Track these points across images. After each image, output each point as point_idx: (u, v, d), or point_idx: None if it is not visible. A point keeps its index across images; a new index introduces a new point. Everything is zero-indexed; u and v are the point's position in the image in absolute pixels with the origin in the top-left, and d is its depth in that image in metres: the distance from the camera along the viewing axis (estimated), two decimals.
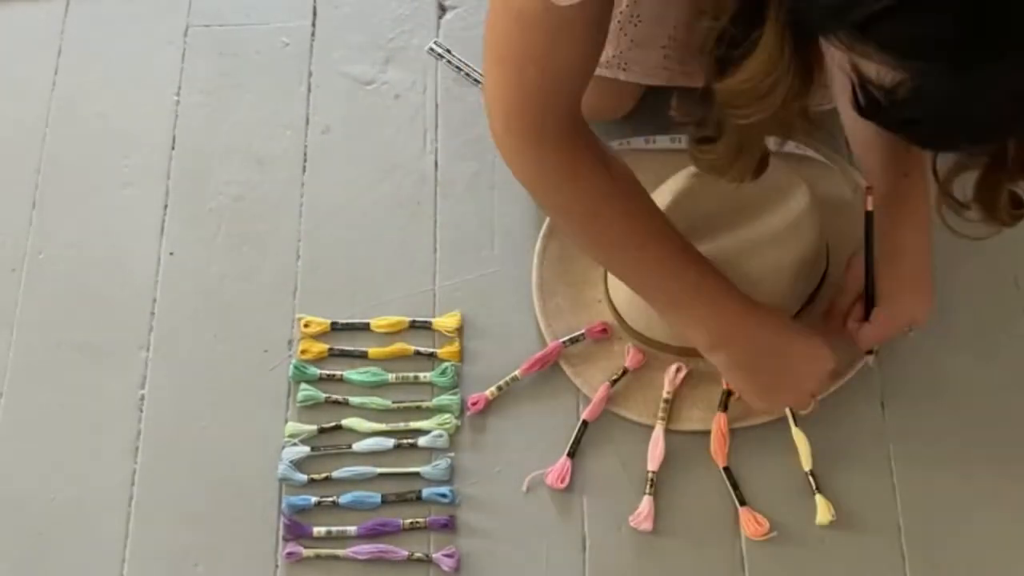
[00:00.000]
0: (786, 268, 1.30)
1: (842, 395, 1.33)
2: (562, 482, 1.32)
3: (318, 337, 1.41)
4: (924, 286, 1.27)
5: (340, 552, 1.31)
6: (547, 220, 1.44)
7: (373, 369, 1.39)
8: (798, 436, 1.30)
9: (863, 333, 1.27)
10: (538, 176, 1.17)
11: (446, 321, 1.40)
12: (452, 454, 1.34)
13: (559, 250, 1.43)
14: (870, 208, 1.23)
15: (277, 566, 1.31)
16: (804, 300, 1.36)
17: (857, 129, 1.28)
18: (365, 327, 1.41)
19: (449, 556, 1.29)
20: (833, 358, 1.25)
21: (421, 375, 1.39)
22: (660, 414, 1.33)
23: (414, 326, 1.41)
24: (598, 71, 1.28)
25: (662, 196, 1.33)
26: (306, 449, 1.35)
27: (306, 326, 1.41)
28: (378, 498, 1.33)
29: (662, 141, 1.45)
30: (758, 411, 1.31)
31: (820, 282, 1.37)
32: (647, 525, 1.29)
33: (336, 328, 1.41)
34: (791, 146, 1.37)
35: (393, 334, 1.41)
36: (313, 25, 1.62)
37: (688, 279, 1.20)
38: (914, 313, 1.28)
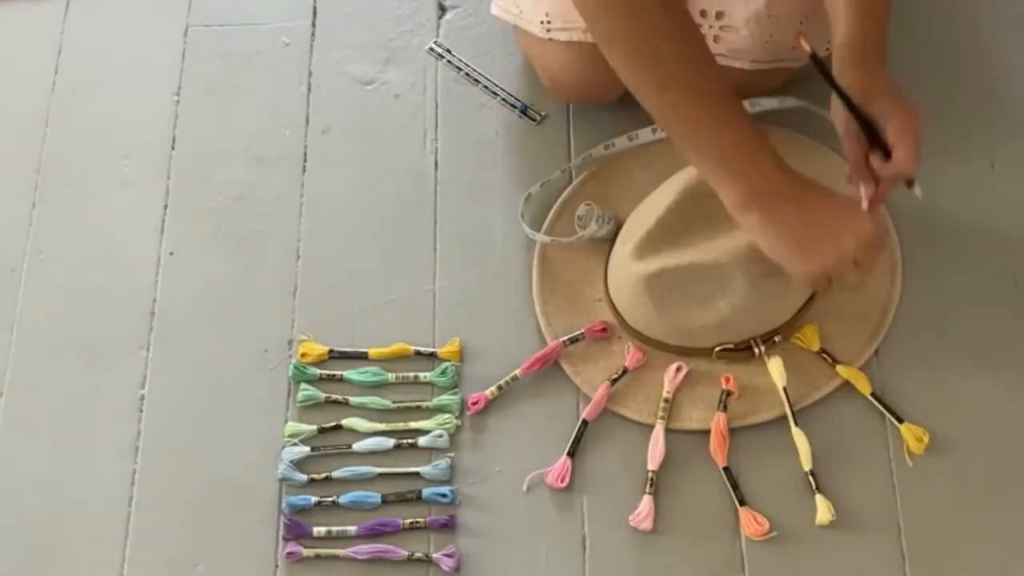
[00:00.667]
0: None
1: (842, 395, 1.33)
2: (562, 482, 1.32)
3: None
4: (905, 96, 1.26)
5: (340, 552, 1.31)
6: (547, 220, 1.44)
7: (373, 369, 1.39)
8: (798, 436, 1.30)
9: (896, 159, 1.23)
10: (604, 3, 1.17)
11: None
12: (452, 454, 1.34)
13: (559, 251, 1.43)
14: (807, 49, 1.22)
15: (277, 566, 1.31)
16: (806, 298, 1.36)
17: None
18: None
19: (449, 556, 1.29)
20: (871, 220, 1.21)
21: (421, 375, 1.39)
22: (660, 413, 1.33)
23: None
24: (583, 37, 1.33)
25: (663, 195, 1.33)
26: (306, 449, 1.35)
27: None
28: (378, 498, 1.33)
29: (644, 135, 1.44)
30: (800, 281, 1.25)
31: None
32: (647, 525, 1.29)
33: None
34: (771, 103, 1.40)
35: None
36: (313, 25, 1.62)
37: (733, 131, 1.19)
38: (911, 110, 1.25)
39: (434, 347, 1.40)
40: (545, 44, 1.40)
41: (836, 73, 1.25)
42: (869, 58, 1.26)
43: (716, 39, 1.37)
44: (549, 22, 1.41)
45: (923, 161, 1.44)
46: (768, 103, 1.41)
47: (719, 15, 1.37)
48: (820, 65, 1.24)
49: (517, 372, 1.37)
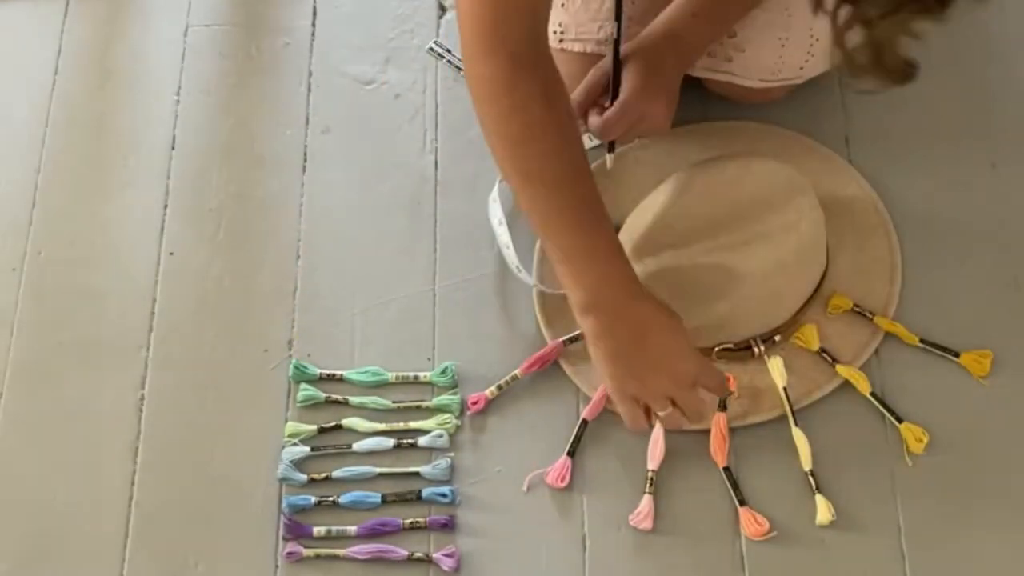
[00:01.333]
0: (787, 267, 1.30)
1: (842, 395, 1.33)
2: (562, 481, 1.32)
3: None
4: (667, 97, 1.33)
5: (340, 552, 1.31)
6: None
7: (373, 368, 1.39)
8: (798, 436, 1.30)
9: (602, 121, 1.31)
10: (484, 82, 1.20)
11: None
12: (452, 454, 1.34)
13: None
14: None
15: (277, 566, 1.31)
16: (805, 298, 1.36)
17: None
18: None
19: (449, 556, 1.29)
20: (696, 362, 1.23)
21: (421, 375, 1.39)
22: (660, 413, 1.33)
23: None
24: (596, 48, 1.36)
25: (662, 195, 1.33)
26: (306, 449, 1.35)
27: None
28: (378, 498, 1.33)
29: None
30: (616, 400, 1.26)
31: (820, 281, 1.37)
32: (647, 524, 1.29)
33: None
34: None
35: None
36: (313, 25, 1.62)
37: (588, 237, 1.21)
38: (649, 111, 1.32)
39: (433, 356, 1.39)
40: (556, 55, 1.40)
41: (655, 25, 1.34)
42: (680, 44, 1.33)
43: (729, 58, 1.38)
44: (562, 32, 1.41)
45: (923, 160, 1.45)
46: None
47: (732, 34, 1.37)
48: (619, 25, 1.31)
49: (517, 372, 1.37)
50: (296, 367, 1.39)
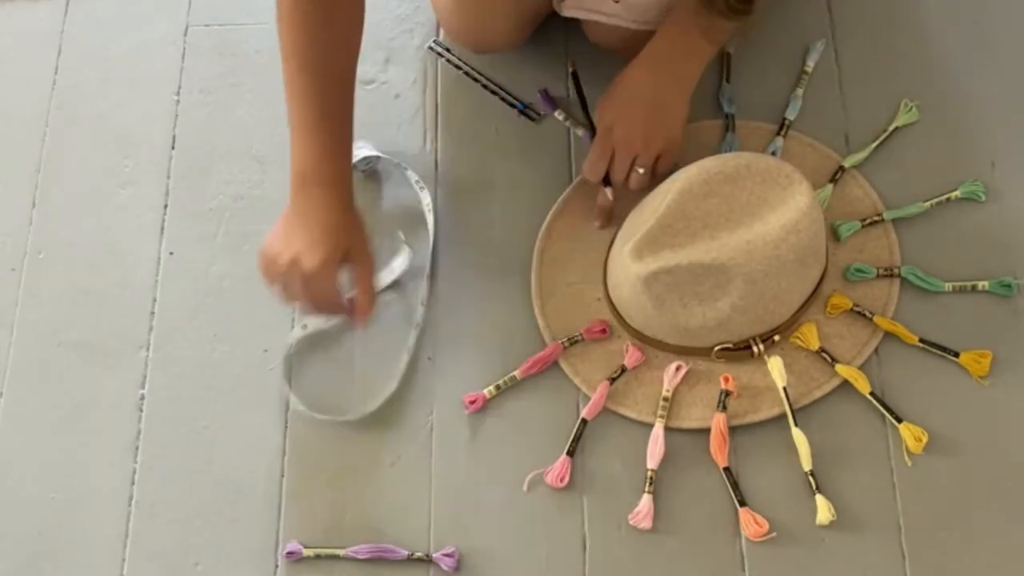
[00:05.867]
0: (786, 266, 1.30)
1: (841, 395, 1.33)
2: (562, 481, 1.32)
3: None
4: (634, 114, 1.36)
5: (340, 551, 1.31)
6: (546, 220, 1.44)
7: None
8: (798, 436, 1.30)
9: (587, 162, 1.38)
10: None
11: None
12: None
13: (558, 250, 1.43)
14: None
15: (277, 566, 1.31)
16: (805, 297, 1.36)
17: None
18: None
19: (449, 556, 1.29)
20: (322, 258, 1.25)
21: None
22: (660, 412, 1.33)
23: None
24: None
25: (662, 195, 1.33)
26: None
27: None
28: None
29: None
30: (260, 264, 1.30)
31: (820, 280, 1.37)
32: (646, 523, 1.29)
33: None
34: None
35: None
36: None
37: (297, 124, 1.32)
38: (625, 136, 1.36)
39: (433, 356, 1.39)
40: None
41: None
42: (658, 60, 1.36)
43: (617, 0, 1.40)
44: None
45: (923, 159, 1.45)
46: None
47: None
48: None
49: (516, 373, 1.37)
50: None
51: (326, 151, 1.31)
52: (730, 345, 1.34)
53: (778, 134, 1.46)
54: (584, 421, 1.34)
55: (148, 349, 1.43)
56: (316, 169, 1.30)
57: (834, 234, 1.41)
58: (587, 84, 1.50)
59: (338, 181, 1.31)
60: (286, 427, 1.38)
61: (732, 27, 1.31)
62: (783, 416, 1.31)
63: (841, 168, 1.43)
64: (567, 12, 1.43)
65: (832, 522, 1.27)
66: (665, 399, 1.34)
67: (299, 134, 1.31)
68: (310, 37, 1.30)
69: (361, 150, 1.47)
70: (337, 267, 1.27)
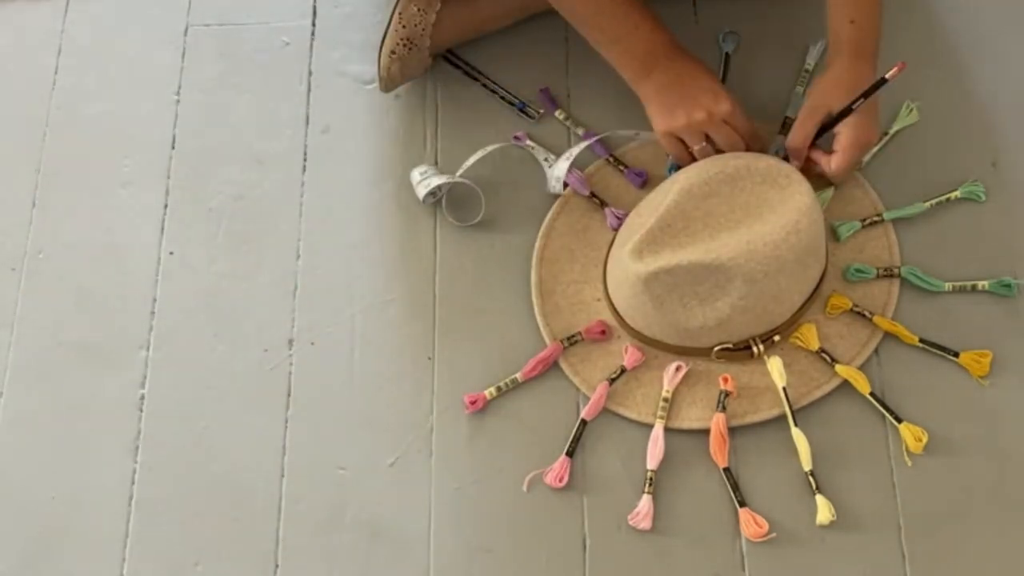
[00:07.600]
0: (786, 266, 1.30)
1: (841, 395, 1.33)
2: (561, 481, 1.32)
3: None
4: (874, 113, 1.38)
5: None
6: (547, 220, 1.44)
7: None
8: (798, 436, 1.30)
9: (833, 164, 1.37)
10: None
11: None
12: None
13: (558, 250, 1.43)
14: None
15: (277, 566, 1.31)
16: (805, 297, 1.36)
17: None
18: None
19: None
20: (729, 102, 1.35)
21: None
22: (659, 412, 1.33)
23: None
24: None
25: (662, 195, 1.33)
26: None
27: None
28: None
29: (647, 135, 1.45)
30: (659, 136, 1.38)
31: (820, 280, 1.37)
32: (646, 524, 1.29)
33: None
34: None
35: None
36: (313, 25, 1.62)
37: (631, 18, 1.38)
38: (870, 135, 1.37)
39: (433, 356, 1.39)
40: None
41: (827, 62, 1.38)
42: (860, 54, 1.36)
43: None
44: None
45: (923, 159, 1.45)
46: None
47: None
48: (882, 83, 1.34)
49: (518, 375, 1.37)
50: None
51: (658, 25, 1.39)
52: (730, 345, 1.34)
53: (779, 133, 1.46)
54: (584, 421, 1.34)
55: (148, 349, 1.43)
56: (664, 42, 1.39)
57: (834, 234, 1.41)
58: (587, 82, 1.51)
59: (678, 45, 1.40)
60: (286, 427, 1.38)
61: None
62: (783, 416, 1.32)
63: None
64: None
65: (832, 522, 1.27)
66: (665, 399, 1.34)
67: (624, 25, 1.38)
68: None
69: (431, 179, 1.47)
70: None
